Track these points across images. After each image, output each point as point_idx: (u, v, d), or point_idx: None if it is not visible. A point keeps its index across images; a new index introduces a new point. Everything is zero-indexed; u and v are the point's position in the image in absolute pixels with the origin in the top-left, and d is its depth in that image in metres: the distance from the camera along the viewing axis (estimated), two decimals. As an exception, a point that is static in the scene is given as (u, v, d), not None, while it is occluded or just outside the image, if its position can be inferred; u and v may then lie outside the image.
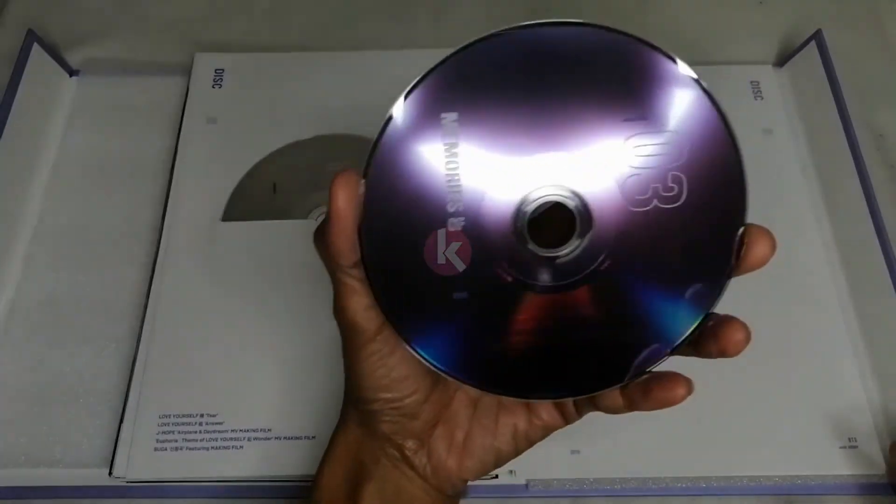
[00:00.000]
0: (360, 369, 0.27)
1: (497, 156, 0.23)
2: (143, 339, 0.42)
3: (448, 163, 0.23)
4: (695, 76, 0.23)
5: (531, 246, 0.24)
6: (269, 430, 0.40)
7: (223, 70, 0.51)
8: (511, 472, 0.39)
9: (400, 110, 0.23)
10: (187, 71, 0.51)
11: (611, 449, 0.40)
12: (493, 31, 0.23)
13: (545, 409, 0.29)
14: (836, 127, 0.47)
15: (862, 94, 0.52)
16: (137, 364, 0.41)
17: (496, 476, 0.39)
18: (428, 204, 0.23)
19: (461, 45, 0.23)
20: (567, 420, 0.29)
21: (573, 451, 0.40)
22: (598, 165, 0.23)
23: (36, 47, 0.48)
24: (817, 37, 0.50)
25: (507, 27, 0.23)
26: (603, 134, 0.23)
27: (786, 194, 0.48)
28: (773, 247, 0.24)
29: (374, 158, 0.23)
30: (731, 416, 0.40)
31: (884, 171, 0.50)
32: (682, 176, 0.23)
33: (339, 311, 0.26)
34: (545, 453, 0.39)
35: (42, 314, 0.43)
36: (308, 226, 0.45)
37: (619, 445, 0.40)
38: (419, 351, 0.25)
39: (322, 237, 0.24)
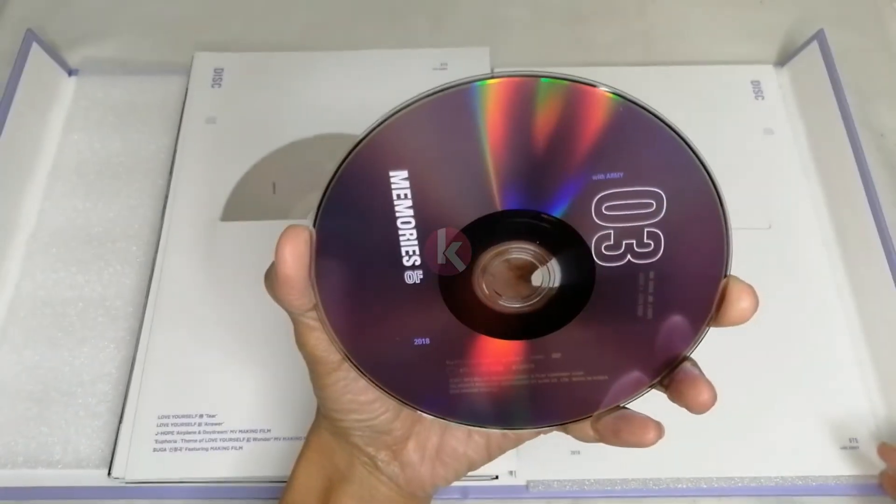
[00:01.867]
0: (327, 394, 0.27)
1: (453, 212, 0.22)
2: (141, 339, 0.42)
3: (401, 219, 0.22)
4: (673, 127, 0.21)
5: (499, 300, 0.24)
6: (269, 430, 0.39)
7: (223, 69, 0.51)
8: (511, 472, 0.39)
9: (349, 163, 0.22)
10: (187, 70, 0.51)
11: (611, 449, 0.39)
12: (448, 83, 0.21)
13: None
14: (838, 127, 0.47)
15: (863, 93, 0.52)
16: (136, 364, 0.41)
17: (496, 477, 0.39)
18: (383, 256, 0.23)
19: (411, 99, 0.21)
20: (539, 431, 0.30)
21: (573, 452, 0.39)
22: (566, 224, 0.22)
23: (35, 47, 0.48)
24: (819, 36, 0.50)
25: (458, 81, 0.21)
26: (570, 192, 0.22)
27: (787, 194, 0.48)
28: (755, 304, 0.23)
29: (324, 207, 0.22)
30: (731, 417, 0.40)
31: (885, 170, 0.50)
32: (658, 233, 0.22)
33: (300, 346, 0.26)
34: (545, 454, 0.39)
35: (41, 314, 0.43)
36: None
37: (620, 446, 0.40)
38: (384, 387, 0.25)
39: (269, 285, 0.24)
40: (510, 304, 0.24)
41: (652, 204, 0.22)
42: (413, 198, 0.22)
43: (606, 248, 0.23)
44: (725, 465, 0.39)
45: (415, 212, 0.22)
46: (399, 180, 0.22)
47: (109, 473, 0.38)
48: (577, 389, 0.25)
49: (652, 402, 0.26)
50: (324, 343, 0.25)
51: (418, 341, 0.24)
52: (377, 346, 0.24)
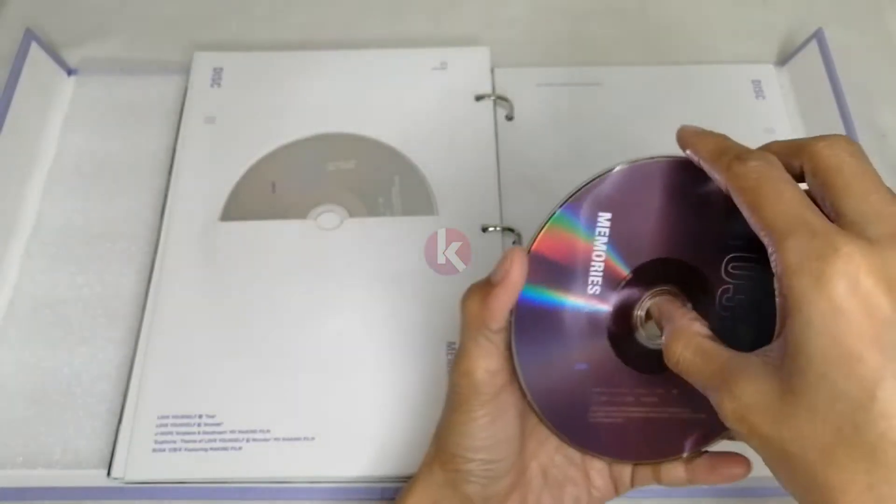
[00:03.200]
0: (468, 429, 0.28)
1: (633, 254, 0.27)
2: (141, 339, 0.42)
3: (596, 252, 0.27)
4: None
5: (644, 334, 0.29)
6: (269, 430, 0.39)
7: (222, 69, 0.51)
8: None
9: (573, 199, 0.27)
10: (186, 70, 0.51)
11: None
12: (656, 155, 0.27)
13: (601, 480, 0.32)
14: (838, 127, 0.46)
15: (864, 93, 0.51)
16: (136, 365, 0.41)
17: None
18: (572, 282, 0.27)
19: (621, 164, 0.27)
20: (618, 492, 0.32)
21: (574, 453, 0.39)
22: (704, 276, 0.28)
23: (34, 46, 0.48)
24: (818, 35, 0.50)
25: (664, 155, 0.27)
26: (713, 250, 0.28)
27: (787, 194, 0.48)
28: None
29: (541, 239, 0.27)
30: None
31: (887, 171, 0.49)
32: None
33: (465, 372, 0.27)
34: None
35: (40, 315, 0.43)
36: (307, 225, 0.45)
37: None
38: (542, 414, 0.29)
39: (478, 298, 0.26)
40: (650, 338, 0.29)
41: (761, 269, 0.27)
42: (609, 236, 0.27)
43: (725, 300, 0.28)
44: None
45: (608, 248, 0.27)
46: (604, 220, 0.27)
47: (109, 474, 0.38)
48: (689, 426, 0.29)
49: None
50: (491, 371, 0.27)
51: (579, 366, 0.28)
52: (549, 371, 0.28)
